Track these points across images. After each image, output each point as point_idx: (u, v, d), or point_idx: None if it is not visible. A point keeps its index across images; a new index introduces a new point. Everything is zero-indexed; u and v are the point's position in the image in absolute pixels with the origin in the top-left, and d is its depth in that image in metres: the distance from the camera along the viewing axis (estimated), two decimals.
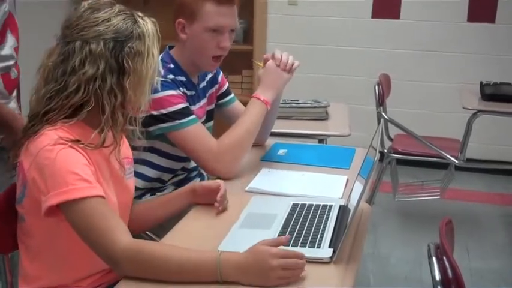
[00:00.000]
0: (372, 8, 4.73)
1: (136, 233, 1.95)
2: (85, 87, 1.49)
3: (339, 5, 4.75)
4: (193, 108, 2.16)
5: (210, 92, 2.32)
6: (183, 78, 2.15)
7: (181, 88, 2.10)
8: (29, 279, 1.58)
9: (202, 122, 2.24)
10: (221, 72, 2.39)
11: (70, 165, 1.43)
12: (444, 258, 1.36)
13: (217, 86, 2.35)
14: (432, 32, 4.65)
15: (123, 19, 1.53)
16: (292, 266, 1.40)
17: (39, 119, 1.50)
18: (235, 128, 2.10)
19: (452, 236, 1.54)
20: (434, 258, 1.39)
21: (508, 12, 4.51)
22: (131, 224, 1.77)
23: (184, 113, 2.05)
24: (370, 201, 3.69)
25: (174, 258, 1.41)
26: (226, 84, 2.40)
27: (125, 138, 1.74)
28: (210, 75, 2.32)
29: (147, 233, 2.04)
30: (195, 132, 2.06)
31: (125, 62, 1.50)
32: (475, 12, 4.56)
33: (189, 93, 2.16)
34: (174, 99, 2.05)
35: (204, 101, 2.27)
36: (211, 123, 2.34)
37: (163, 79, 2.05)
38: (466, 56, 4.63)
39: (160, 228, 1.92)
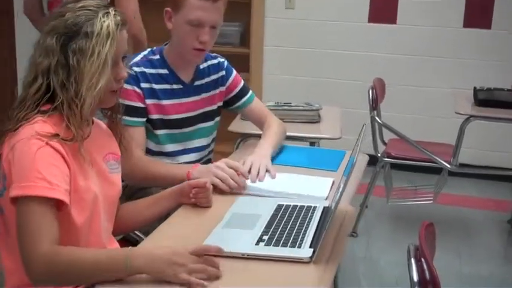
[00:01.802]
0: (369, 13, 4.74)
1: (124, 233, 1.97)
2: (43, 77, 1.53)
3: (335, 9, 4.76)
4: (171, 102, 2.19)
5: (211, 93, 2.32)
6: (164, 71, 2.19)
7: (143, 84, 2.13)
8: (7, 272, 1.59)
9: (197, 122, 2.26)
10: (233, 75, 2.38)
11: (37, 163, 1.45)
12: (422, 259, 1.38)
13: (222, 89, 2.35)
14: (428, 37, 4.66)
15: (78, 15, 1.54)
16: (199, 270, 1.40)
17: (14, 116, 1.53)
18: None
19: (433, 239, 1.56)
20: (412, 260, 1.41)
21: (503, 18, 4.52)
22: (118, 224, 1.78)
23: (128, 110, 2.05)
24: (363, 204, 3.71)
25: (87, 256, 1.42)
26: (238, 88, 2.39)
27: (112, 134, 1.77)
28: (214, 76, 2.33)
29: (136, 232, 2.05)
30: (131, 134, 2.03)
31: (70, 58, 1.52)
32: (471, 18, 4.58)
33: (164, 86, 2.18)
34: (125, 94, 2.06)
35: (194, 98, 2.27)
36: (210, 123, 2.34)
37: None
38: (461, 61, 4.64)
39: (148, 227, 1.94)
